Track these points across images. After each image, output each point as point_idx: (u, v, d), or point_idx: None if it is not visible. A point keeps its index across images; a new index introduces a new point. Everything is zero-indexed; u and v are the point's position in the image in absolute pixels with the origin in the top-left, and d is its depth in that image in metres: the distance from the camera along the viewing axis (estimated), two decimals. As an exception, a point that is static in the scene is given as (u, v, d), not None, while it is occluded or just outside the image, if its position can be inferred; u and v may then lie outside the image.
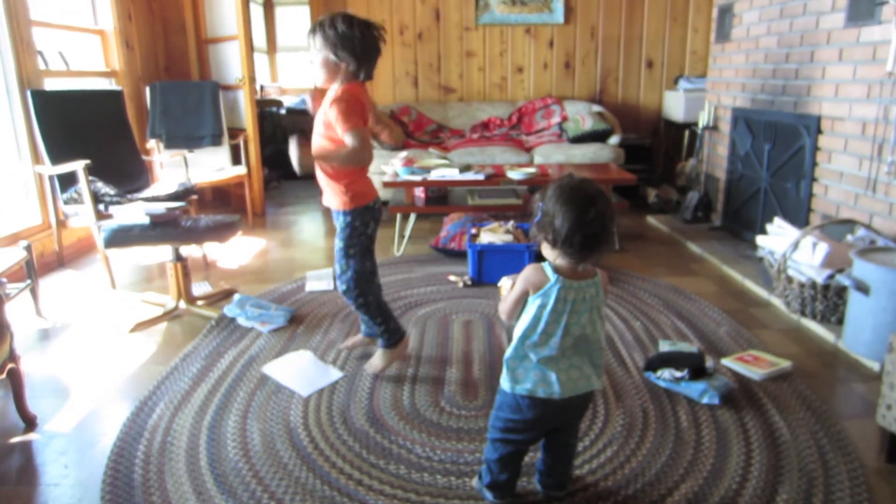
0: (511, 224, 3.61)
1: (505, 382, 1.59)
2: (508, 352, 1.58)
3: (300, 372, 2.39)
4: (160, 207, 3.02)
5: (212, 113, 4.78)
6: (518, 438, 1.61)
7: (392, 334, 2.34)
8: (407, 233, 4.17)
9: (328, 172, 2.16)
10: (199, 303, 3.09)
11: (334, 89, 2.10)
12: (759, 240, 3.22)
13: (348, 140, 2.02)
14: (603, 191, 1.51)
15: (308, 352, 2.55)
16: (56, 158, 3.52)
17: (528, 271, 1.54)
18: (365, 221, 2.23)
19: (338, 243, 2.23)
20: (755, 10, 4.02)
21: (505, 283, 1.63)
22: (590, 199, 1.46)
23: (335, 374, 2.40)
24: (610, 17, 5.53)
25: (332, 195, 2.21)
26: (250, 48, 4.97)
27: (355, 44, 2.04)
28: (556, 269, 1.51)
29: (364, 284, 2.24)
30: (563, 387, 1.53)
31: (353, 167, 2.14)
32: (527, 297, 1.54)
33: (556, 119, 5.31)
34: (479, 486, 1.71)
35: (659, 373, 2.30)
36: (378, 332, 2.35)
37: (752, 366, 2.39)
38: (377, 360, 2.38)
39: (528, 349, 1.54)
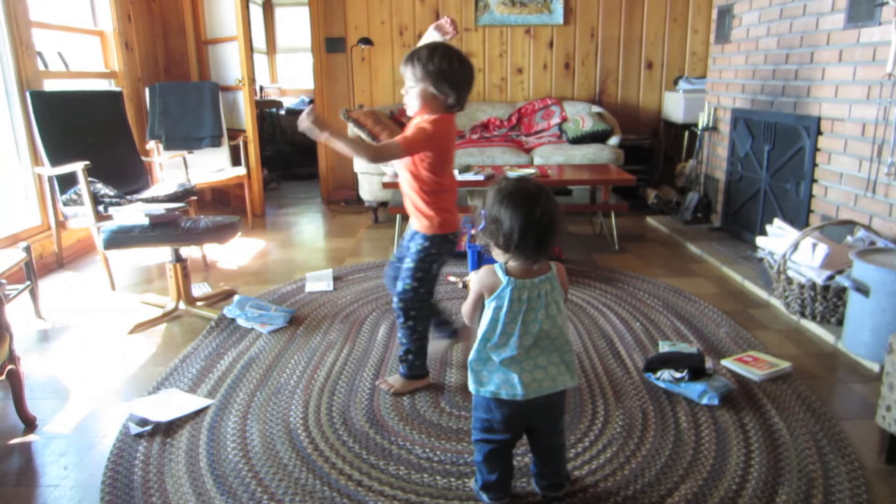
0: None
1: (471, 384, 1.60)
2: (471, 354, 1.58)
3: (168, 405, 2.20)
4: (160, 208, 3.02)
5: (211, 114, 4.78)
6: (496, 438, 1.61)
7: (412, 368, 2.27)
8: (407, 234, 4.17)
9: (423, 199, 2.15)
10: (199, 304, 3.09)
11: (424, 118, 2.07)
12: (759, 241, 3.23)
13: (393, 140, 2.05)
14: (544, 187, 1.52)
15: (175, 389, 2.34)
16: (55, 159, 3.52)
17: (481, 274, 1.55)
18: (441, 251, 2.20)
19: (407, 263, 2.20)
20: (755, 11, 4.02)
21: (472, 277, 1.64)
22: (534, 198, 1.47)
23: (203, 402, 2.22)
24: (609, 17, 5.54)
25: (418, 217, 2.19)
26: (250, 49, 4.98)
27: (455, 77, 2.03)
28: (507, 271, 1.52)
29: (416, 308, 2.20)
30: (525, 388, 1.54)
31: (359, 156, 2.08)
32: (483, 300, 1.55)
33: (555, 120, 5.31)
34: (475, 488, 1.71)
35: (658, 374, 2.30)
36: (401, 357, 2.28)
37: (751, 367, 2.39)
38: (396, 382, 2.30)
39: (489, 351, 1.55)
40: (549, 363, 1.57)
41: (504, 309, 1.52)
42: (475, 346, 1.57)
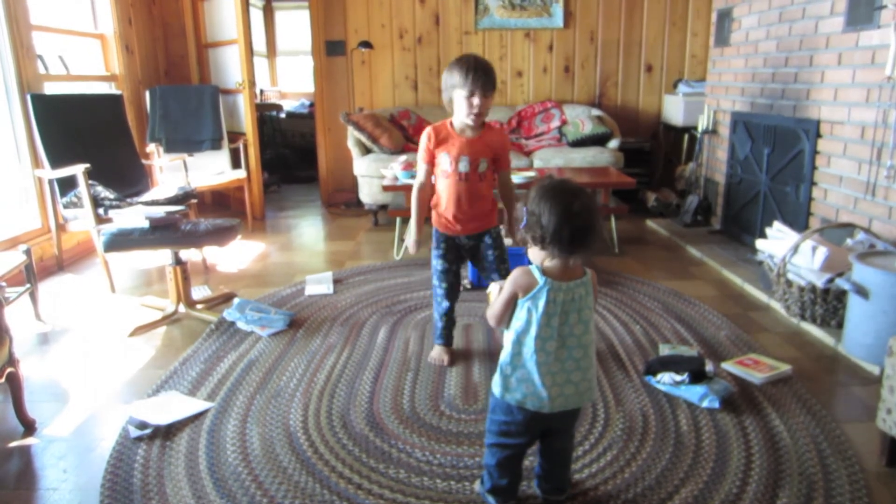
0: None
1: (496, 387, 1.58)
2: (504, 357, 1.56)
3: (168, 408, 2.20)
4: (160, 211, 3.02)
5: (211, 117, 4.78)
6: (513, 442, 1.60)
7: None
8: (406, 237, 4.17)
9: (490, 201, 2.44)
10: (199, 306, 3.08)
11: (482, 125, 2.35)
12: (759, 243, 3.23)
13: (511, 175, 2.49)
14: (585, 188, 1.53)
15: (175, 392, 2.33)
16: (56, 162, 3.52)
17: (516, 274, 1.53)
18: (436, 244, 2.50)
19: (495, 253, 2.47)
20: (754, 15, 4.03)
21: (493, 288, 1.62)
22: (573, 193, 1.48)
23: (202, 405, 2.23)
24: (609, 21, 5.55)
25: (488, 215, 2.45)
26: (250, 52, 4.98)
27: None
28: (544, 272, 1.51)
29: (434, 285, 2.55)
30: (552, 402, 1.52)
31: None
32: (515, 300, 1.53)
33: (555, 123, 5.32)
34: (482, 491, 1.70)
35: (659, 377, 2.30)
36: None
37: (752, 369, 2.39)
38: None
39: (525, 354, 1.53)
40: (582, 379, 1.55)
41: (539, 311, 1.49)
42: (508, 349, 1.55)
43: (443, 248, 2.45)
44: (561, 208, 1.45)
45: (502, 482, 1.64)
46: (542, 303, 1.49)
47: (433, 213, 2.45)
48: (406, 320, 2.96)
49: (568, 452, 1.69)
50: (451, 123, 2.33)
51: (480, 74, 2.16)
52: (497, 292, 1.58)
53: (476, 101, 2.19)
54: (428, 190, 2.42)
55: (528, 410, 1.54)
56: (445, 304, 2.49)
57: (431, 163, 2.36)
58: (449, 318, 2.52)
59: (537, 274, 1.51)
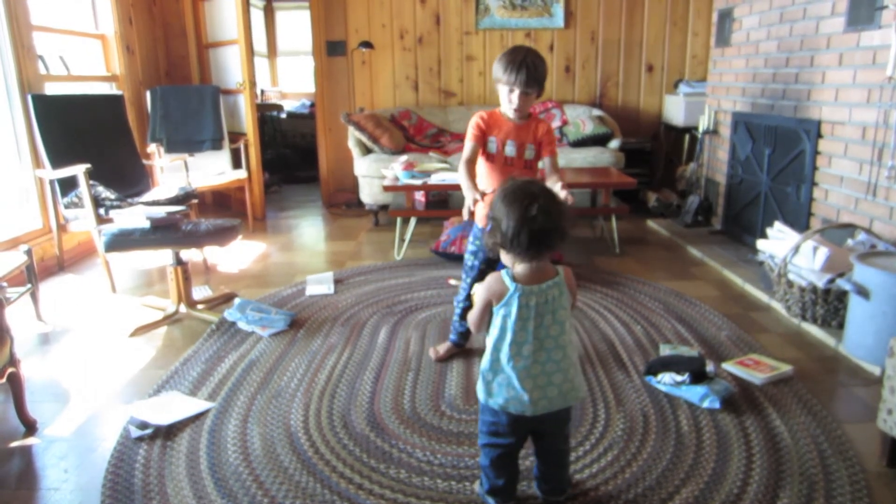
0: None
1: (480, 393, 1.59)
2: (484, 363, 1.57)
3: (169, 408, 2.20)
4: (161, 211, 3.02)
5: (212, 117, 4.78)
6: (502, 442, 1.60)
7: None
8: (407, 237, 4.18)
9: None
10: (200, 307, 3.09)
11: (528, 116, 2.37)
12: (760, 244, 3.23)
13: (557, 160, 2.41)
14: (548, 189, 1.53)
15: (176, 392, 2.33)
16: (57, 162, 3.53)
17: (489, 281, 1.54)
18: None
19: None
20: (755, 15, 4.03)
21: (478, 288, 1.63)
22: (531, 197, 1.48)
23: (203, 405, 2.23)
24: (610, 21, 5.54)
25: None
26: (251, 52, 4.98)
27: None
28: (514, 277, 1.51)
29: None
30: (534, 405, 1.53)
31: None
32: (491, 307, 1.54)
33: (556, 123, 5.31)
34: (481, 492, 1.70)
35: (660, 377, 2.30)
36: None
37: (752, 370, 2.39)
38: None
39: (502, 360, 1.54)
40: (564, 380, 1.55)
41: (513, 317, 1.50)
42: (487, 355, 1.56)
43: (477, 245, 2.45)
44: (518, 213, 1.46)
45: (499, 482, 1.64)
46: (514, 309, 1.50)
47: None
48: (407, 320, 2.96)
49: (563, 454, 1.69)
50: (501, 110, 2.35)
51: (522, 71, 2.16)
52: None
53: (514, 97, 2.22)
54: (474, 164, 2.38)
55: (511, 414, 1.55)
56: (467, 303, 2.51)
57: (479, 141, 2.34)
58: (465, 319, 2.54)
59: (507, 280, 1.52)
